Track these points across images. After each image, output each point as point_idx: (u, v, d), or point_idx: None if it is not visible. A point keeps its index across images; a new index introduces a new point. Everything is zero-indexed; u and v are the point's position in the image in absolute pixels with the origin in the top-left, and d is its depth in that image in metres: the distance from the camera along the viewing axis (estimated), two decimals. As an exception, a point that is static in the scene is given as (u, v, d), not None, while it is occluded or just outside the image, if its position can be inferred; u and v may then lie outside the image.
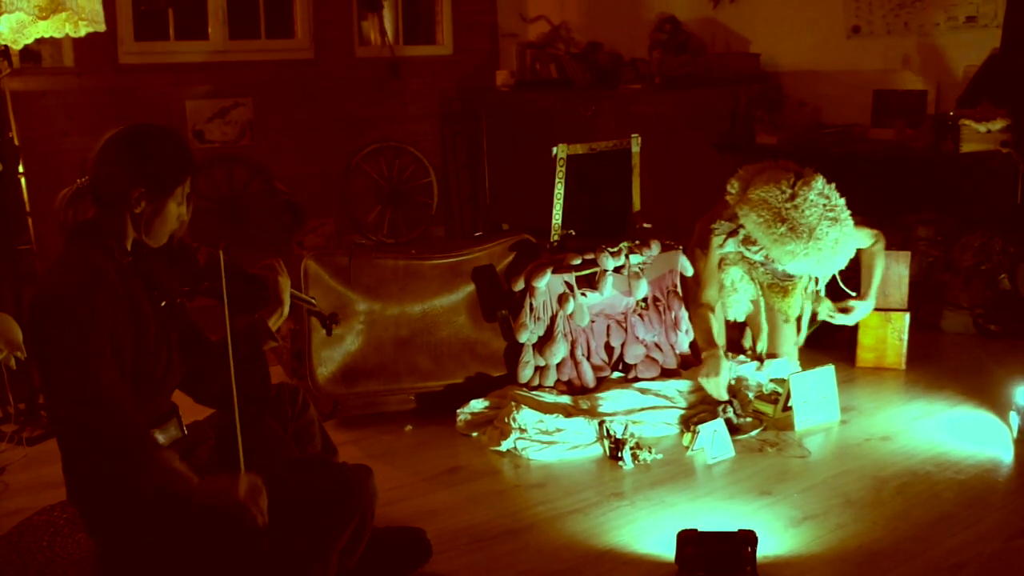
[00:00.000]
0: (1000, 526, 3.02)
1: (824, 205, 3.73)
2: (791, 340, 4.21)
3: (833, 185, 3.85)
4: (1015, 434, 3.63)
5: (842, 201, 3.82)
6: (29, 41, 3.69)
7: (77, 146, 6.18)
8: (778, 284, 3.93)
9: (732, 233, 3.93)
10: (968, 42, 5.34)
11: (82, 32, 3.67)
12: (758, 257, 3.91)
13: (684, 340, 4.21)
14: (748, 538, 2.71)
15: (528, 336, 3.96)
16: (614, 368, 4.11)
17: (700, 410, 3.85)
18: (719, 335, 4.07)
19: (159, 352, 2.39)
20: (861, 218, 3.96)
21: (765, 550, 2.84)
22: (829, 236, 3.71)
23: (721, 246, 3.95)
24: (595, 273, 4.01)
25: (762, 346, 4.19)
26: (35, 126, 5.93)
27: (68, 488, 2.36)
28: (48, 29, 3.62)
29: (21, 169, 4.18)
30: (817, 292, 4.09)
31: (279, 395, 2.74)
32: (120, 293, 2.26)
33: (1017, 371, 4.11)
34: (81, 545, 2.83)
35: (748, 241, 3.89)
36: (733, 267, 4.03)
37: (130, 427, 2.19)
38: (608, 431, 3.61)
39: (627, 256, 4.04)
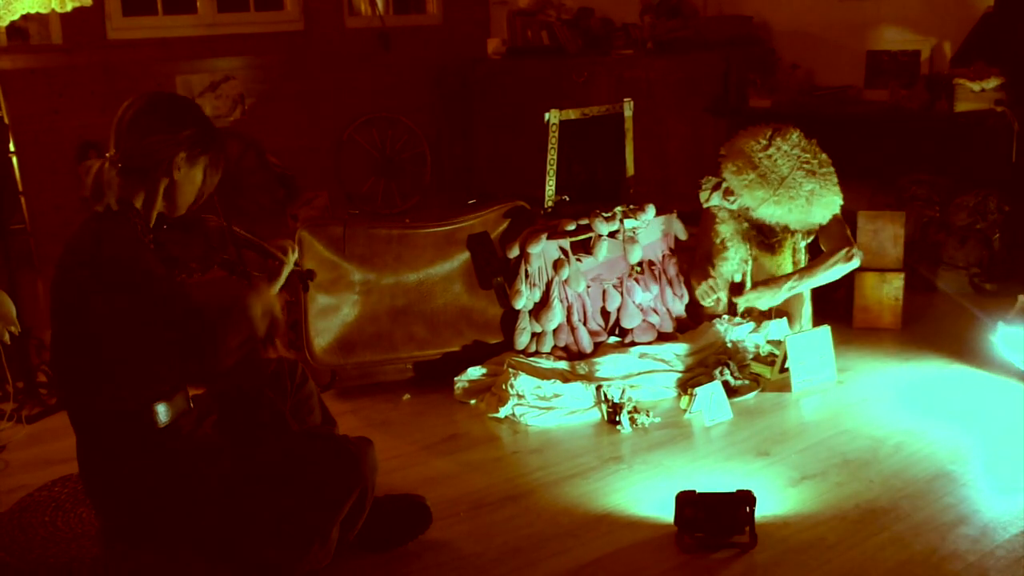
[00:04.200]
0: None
1: (799, 156, 3.84)
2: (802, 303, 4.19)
3: (815, 142, 3.94)
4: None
5: (824, 157, 3.92)
6: (15, 17, 3.66)
7: (68, 124, 6.14)
8: (765, 241, 3.96)
9: (716, 187, 4.00)
10: (962, 1, 5.30)
11: (68, 7, 3.64)
12: (734, 207, 3.96)
13: (680, 304, 4.22)
14: (746, 498, 2.73)
15: (524, 303, 3.96)
16: (611, 333, 4.11)
17: (697, 373, 3.86)
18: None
19: None
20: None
21: (764, 510, 2.86)
22: (803, 187, 3.80)
23: (707, 200, 4.01)
24: (590, 238, 4.01)
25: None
26: (24, 105, 5.89)
27: (82, 466, 2.37)
28: (34, 4, 3.60)
29: (12, 148, 4.17)
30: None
31: (278, 369, 2.75)
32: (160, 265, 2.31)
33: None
34: (83, 520, 2.84)
35: (728, 192, 3.96)
36: (723, 225, 4.04)
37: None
38: (606, 395, 3.62)
39: (622, 220, 4.03)
